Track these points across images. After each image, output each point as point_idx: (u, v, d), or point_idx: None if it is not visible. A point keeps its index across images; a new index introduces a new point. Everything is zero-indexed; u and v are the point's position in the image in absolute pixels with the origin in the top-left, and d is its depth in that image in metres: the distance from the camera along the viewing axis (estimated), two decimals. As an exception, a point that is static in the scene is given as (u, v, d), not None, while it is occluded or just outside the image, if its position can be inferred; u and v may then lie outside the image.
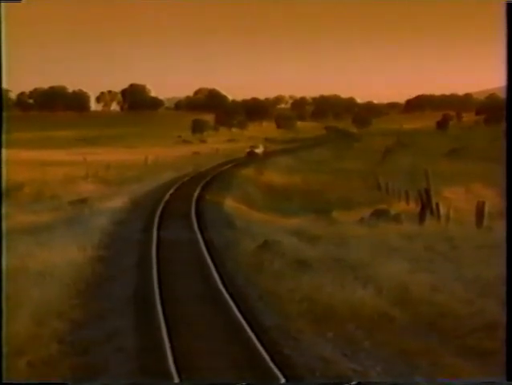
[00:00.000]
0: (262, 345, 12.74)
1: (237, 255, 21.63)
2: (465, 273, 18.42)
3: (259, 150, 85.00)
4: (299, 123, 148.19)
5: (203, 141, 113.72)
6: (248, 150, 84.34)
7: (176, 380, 11.10)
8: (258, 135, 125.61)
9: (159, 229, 26.85)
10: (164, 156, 79.20)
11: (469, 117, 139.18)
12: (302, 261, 19.51)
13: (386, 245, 22.53)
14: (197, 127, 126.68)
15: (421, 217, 28.64)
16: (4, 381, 10.64)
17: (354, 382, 10.46)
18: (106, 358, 12.59)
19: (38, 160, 71.23)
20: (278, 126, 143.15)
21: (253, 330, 13.59)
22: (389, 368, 12.39)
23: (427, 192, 30.08)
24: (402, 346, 13.34)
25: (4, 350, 12.88)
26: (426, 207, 29.41)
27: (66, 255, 21.48)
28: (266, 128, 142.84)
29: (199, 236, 25.21)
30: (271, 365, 11.73)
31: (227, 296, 16.36)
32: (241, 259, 21.01)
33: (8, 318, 14.36)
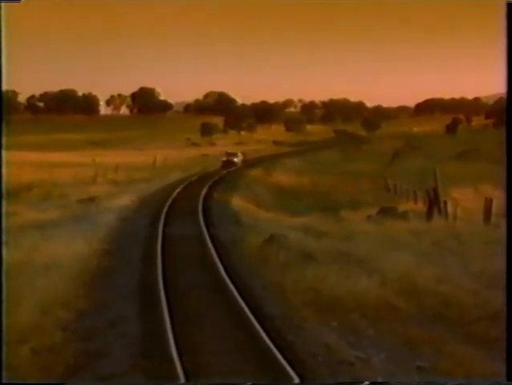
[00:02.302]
0: (266, 331, 12.73)
1: (243, 249, 21.63)
2: (471, 267, 18.34)
3: (238, 159, 70.46)
4: (308, 127, 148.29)
5: (212, 144, 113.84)
6: (224, 159, 68.99)
7: (178, 363, 11.09)
8: (266, 138, 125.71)
9: (165, 225, 26.85)
10: (173, 158, 79.33)
11: (478, 121, 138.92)
12: (308, 254, 19.48)
13: (392, 240, 22.47)
14: (206, 130, 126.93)
15: (428, 215, 28.55)
16: (4, 381, 10.64)
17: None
18: (109, 343, 12.61)
19: (47, 161, 71.51)
20: (287, 129, 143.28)
21: (256, 318, 13.57)
22: (393, 356, 12.34)
23: (435, 190, 30.00)
24: (406, 334, 13.29)
25: (8, 337, 12.91)
26: (434, 205, 29.32)
27: (72, 249, 21.54)
28: (275, 131, 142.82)
29: (205, 231, 25.21)
30: (274, 349, 11.70)
31: (231, 286, 16.34)
32: (247, 253, 21.00)
33: (12, 308, 14.42)
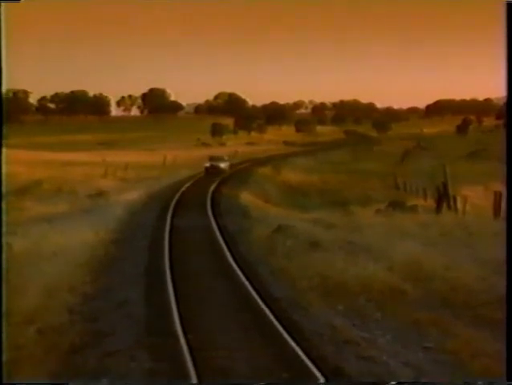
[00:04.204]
0: (272, 312, 12.74)
1: (251, 239, 21.65)
2: (480, 255, 18.29)
3: (225, 164, 55.51)
4: (319, 128, 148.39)
5: (222, 144, 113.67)
6: (207, 165, 53.82)
7: (182, 339, 11.11)
8: (277, 138, 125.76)
9: (173, 217, 26.87)
10: (183, 157, 79.30)
11: (489, 121, 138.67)
12: (316, 243, 19.47)
13: (401, 231, 22.43)
14: (217, 131, 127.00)
15: (438, 208, 28.52)
16: (4, 382, 10.69)
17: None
18: (114, 323, 12.66)
19: (58, 160, 71.76)
20: (298, 130, 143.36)
21: (262, 300, 13.58)
22: (399, 337, 12.32)
23: (444, 185, 29.98)
24: (413, 317, 13.27)
25: (15, 319, 12.99)
26: (443, 199, 29.28)
27: (80, 238, 21.63)
28: (286, 132, 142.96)
29: (213, 222, 25.24)
30: (279, 327, 11.72)
31: (238, 271, 16.38)
32: (255, 242, 21.02)
33: (18, 292, 14.52)
